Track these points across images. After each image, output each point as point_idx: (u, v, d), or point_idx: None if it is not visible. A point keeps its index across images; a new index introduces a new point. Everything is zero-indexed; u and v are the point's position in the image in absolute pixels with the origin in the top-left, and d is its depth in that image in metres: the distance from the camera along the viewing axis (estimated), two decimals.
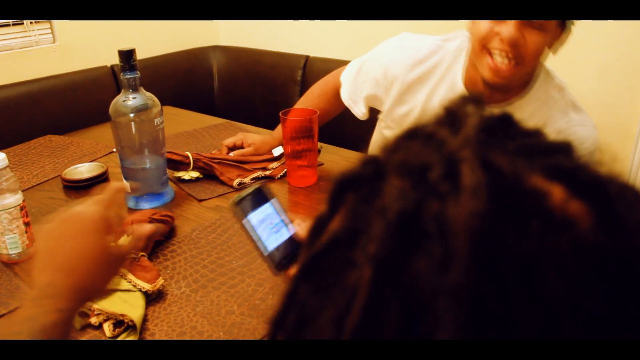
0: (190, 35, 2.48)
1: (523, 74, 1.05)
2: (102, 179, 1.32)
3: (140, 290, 0.85)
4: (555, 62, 1.66)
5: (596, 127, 1.14)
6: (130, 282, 0.86)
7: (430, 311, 0.25)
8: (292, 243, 0.75)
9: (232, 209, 0.74)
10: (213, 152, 1.40)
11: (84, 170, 1.35)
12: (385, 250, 0.26)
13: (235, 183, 1.25)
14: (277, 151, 1.38)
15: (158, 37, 2.36)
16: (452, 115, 0.31)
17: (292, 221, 0.78)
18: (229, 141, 1.41)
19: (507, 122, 0.31)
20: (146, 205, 1.17)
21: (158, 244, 1.02)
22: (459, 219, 0.25)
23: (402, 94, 1.22)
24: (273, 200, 0.77)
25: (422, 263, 0.25)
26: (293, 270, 0.71)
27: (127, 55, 1.10)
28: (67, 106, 1.93)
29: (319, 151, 1.41)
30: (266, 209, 0.76)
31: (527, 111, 1.12)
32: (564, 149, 0.30)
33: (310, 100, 1.46)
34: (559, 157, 0.29)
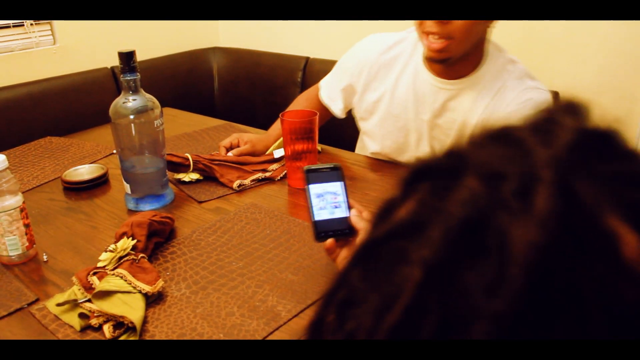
0: (190, 36, 2.48)
1: (459, 48, 1.14)
2: (102, 180, 1.32)
3: (140, 291, 0.85)
4: (555, 63, 1.66)
5: (550, 93, 1.23)
6: (130, 283, 0.86)
7: (466, 331, 0.24)
8: (343, 223, 0.86)
9: (303, 172, 0.88)
10: (213, 153, 1.41)
11: (84, 171, 1.35)
12: (439, 257, 0.26)
13: (235, 185, 1.25)
14: (278, 153, 1.38)
15: (158, 39, 2.36)
16: (547, 122, 0.29)
17: (352, 207, 0.87)
18: (226, 142, 1.42)
19: (607, 140, 0.29)
20: (146, 207, 1.17)
21: (158, 246, 1.02)
22: (521, 245, 0.24)
23: (372, 80, 1.34)
24: (345, 183, 0.88)
25: (473, 279, 0.24)
26: (329, 242, 0.84)
27: (127, 57, 1.10)
28: (67, 107, 1.93)
29: (319, 153, 1.41)
30: (334, 187, 0.88)
31: (482, 84, 1.21)
32: None
33: (297, 106, 1.52)
34: None
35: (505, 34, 1.74)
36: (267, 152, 1.44)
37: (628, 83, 1.56)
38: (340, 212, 0.86)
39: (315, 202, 0.86)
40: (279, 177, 1.30)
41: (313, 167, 0.89)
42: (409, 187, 0.31)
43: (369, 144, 1.42)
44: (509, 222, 0.24)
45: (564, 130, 0.28)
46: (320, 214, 0.86)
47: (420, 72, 1.27)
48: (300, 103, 1.54)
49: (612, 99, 1.59)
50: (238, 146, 1.41)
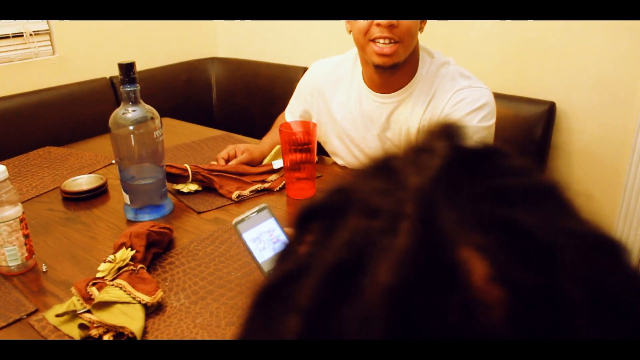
0: (188, 47, 2.50)
1: (405, 52, 1.19)
2: (101, 190, 1.32)
3: (139, 302, 0.85)
4: (551, 75, 1.67)
5: (489, 89, 1.24)
6: (129, 294, 0.86)
7: None
8: None
9: (234, 226, 0.91)
10: (212, 163, 1.41)
11: (83, 182, 1.36)
12: (314, 304, 0.25)
13: (234, 196, 1.25)
14: (277, 164, 1.38)
15: (157, 49, 2.37)
16: (422, 149, 0.28)
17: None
18: (223, 154, 1.43)
19: (481, 160, 0.28)
20: (145, 217, 1.18)
21: (156, 256, 1.02)
22: (380, 284, 0.23)
23: (323, 103, 1.40)
24: (275, 218, 0.92)
25: (345, 324, 0.24)
26: None
27: (127, 68, 1.11)
28: (66, 118, 1.94)
29: (317, 163, 1.42)
30: (267, 225, 0.91)
31: (417, 90, 1.26)
32: (537, 196, 0.27)
33: (268, 135, 1.55)
34: (520, 210, 0.25)
35: (500, 45, 1.76)
36: (263, 162, 1.45)
37: (623, 97, 1.57)
38: (282, 244, 0.89)
39: (253, 246, 0.89)
40: (277, 188, 1.30)
41: (239, 218, 0.91)
42: (303, 228, 0.30)
43: (339, 161, 1.48)
44: (375, 262, 0.24)
45: (433, 157, 0.27)
46: (263, 254, 0.89)
47: (362, 90, 1.32)
48: (272, 130, 1.57)
49: (608, 112, 1.61)
50: (235, 156, 1.42)
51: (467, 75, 1.26)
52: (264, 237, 0.90)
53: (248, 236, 0.90)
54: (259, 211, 0.92)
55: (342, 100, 1.36)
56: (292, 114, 1.51)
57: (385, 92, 1.28)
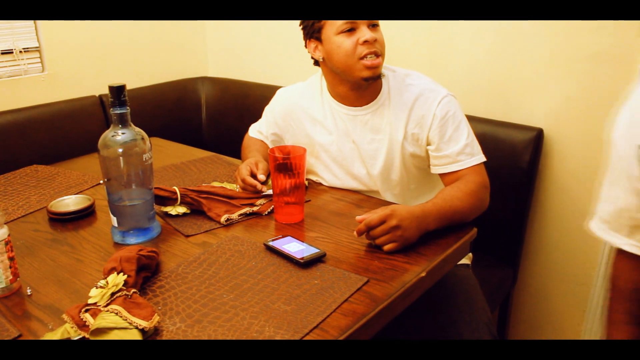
0: (178, 66, 2.50)
1: (383, 63, 1.33)
2: (88, 212, 1.31)
3: (136, 327, 0.84)
4: (539, 102, 1.69)
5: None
6: (125, 319, 0.84)
7: None
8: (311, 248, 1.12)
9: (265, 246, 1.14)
10: (202, 185, 1.40)
11: (70, 202, 1.35)
12: None
13: (222, 219, 1.25)
14: (268, 191, 1.37)
15: (147, 68, 2.37)
16: None
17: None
18: (246, 174, 1.39)
19: None
20: (132, 240, 1.17)
21: (145, 280, 1.01)
22: None
23: (296, 124, 1.50)
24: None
25: None
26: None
27: (117, 91, 1.10)
28: (54, 135, 1.93)
29: (306, 188, 1.42)
30: (290, 240, 1.15)
31: (392, 101, 1.37)
32: None
33: (252, 151, 1.57)
34: None
35: (488, 71, 1.78)
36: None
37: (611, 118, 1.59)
38: (307, 249, 1.11)
39: (286, 248, 1.11)
40: (266, 212, 1.30)
41: (270, 240, 1.14)
42: None
43: (312, 178, 1.53)
44: None
45: None
46: (297, 254, 1.08)
47: (334, 107, 1.43)
48: (253, 149, 1.57)
49: (596, 133, 1.63)
50: (254, 172, 1.39)
51: (434, 83, 1.38)
52: (291, 244, 1.12)
53: (275, 246, 1.12)
54: (282, 237, 1.16)
55: (318, 119, 1.45)
56: (260, 133, 1.61)
57: (357, 106, 1.39)
